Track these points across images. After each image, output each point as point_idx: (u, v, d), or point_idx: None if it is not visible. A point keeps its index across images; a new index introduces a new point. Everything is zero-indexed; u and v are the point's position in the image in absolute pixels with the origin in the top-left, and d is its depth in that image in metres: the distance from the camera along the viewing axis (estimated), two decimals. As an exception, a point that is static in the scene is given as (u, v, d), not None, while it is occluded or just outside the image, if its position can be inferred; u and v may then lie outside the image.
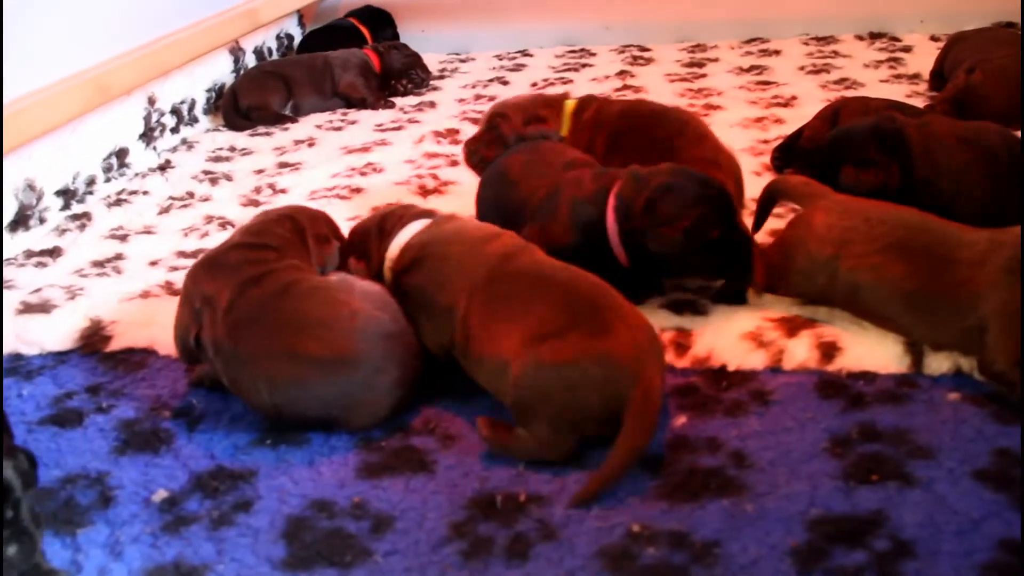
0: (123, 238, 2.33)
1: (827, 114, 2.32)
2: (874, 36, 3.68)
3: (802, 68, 3.34)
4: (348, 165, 2.71)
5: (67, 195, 2.48)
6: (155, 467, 1.45)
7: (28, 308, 1.95)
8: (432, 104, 3.29)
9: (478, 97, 3.33)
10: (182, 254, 2.20)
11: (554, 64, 3.72)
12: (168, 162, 2.85)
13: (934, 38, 3.54)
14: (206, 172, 2.75)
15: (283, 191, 2.56)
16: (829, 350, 1.57)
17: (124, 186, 2.66)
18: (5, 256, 2.22)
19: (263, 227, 1.69)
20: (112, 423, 1.58)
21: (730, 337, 1.63)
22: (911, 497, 1.25)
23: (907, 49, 3.47)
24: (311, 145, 2.94)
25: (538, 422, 1.36)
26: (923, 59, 3.20)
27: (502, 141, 2.16)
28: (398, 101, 3.34)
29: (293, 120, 3.20)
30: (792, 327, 1.64)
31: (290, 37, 3.96)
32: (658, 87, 3.24)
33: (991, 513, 1.21)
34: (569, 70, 3.61)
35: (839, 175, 1.89)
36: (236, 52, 3.45)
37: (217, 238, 2.18)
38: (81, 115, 2.49)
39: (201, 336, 1.55)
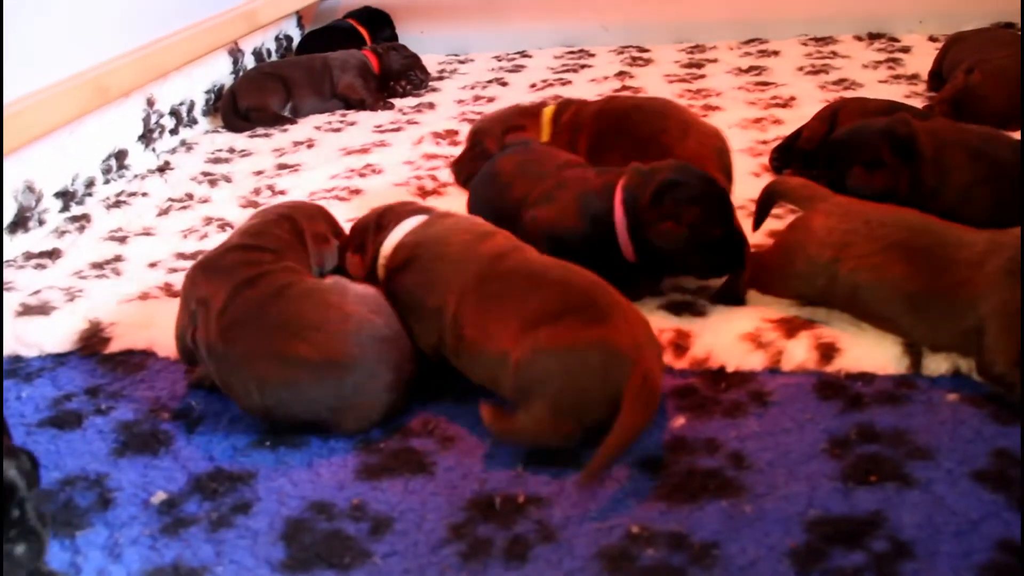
0: (122, 240, 2.33)
1: (826, 115, 2.32)
2: (873, 37, 3.69)
3: (801, 69, 3.35)
4: (347, 166, 2.71)
5: (66, 197, 2.48)
6: (154, 469, 1.45)
7: (27, 310, 1.95)
8: (431, 105, 3.29)
9: (477, 98, 3.34)
10: (181, 256, 2.20)
11: (553, 65, 3.72)
12: (167, 164, 2.85)
13: (933, 38, 3.54)
14: (205, 174, 2.75)
15: (282, 192, 2.56)
16: (828, 351, 1.57)
17: (123, 188, 2.66)
18: (4, 258, 2.22)
19: (261, 228, 1.69)
20: (111, 425, 1.58)
21: (729, 338, 1.63)
22: (910, 498, 1.25)
23: (906, 50, 3.47)
24: (310, 146, 2.94)
25: (538, 405, 1.36)
26: (922, 59, 3.20)
27: (487, 156, 2.18)
28: (397, 102, 3.35)
29: (292, 121, 3.20)
30: (791, 328, 1.64)
31: (289, 38, 3.96)
32: (657, 88, 3.24)
33: (990, 514, 1.21)
34: (568, 71, 3.61)
35: (846, 175, 1.89)
36: (235, 53, 3.45)
37: (216, 240, 2.17)
38: (80, 116, 2.49)
39: (196, 337, 1.55)
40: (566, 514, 1.27)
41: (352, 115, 3.24)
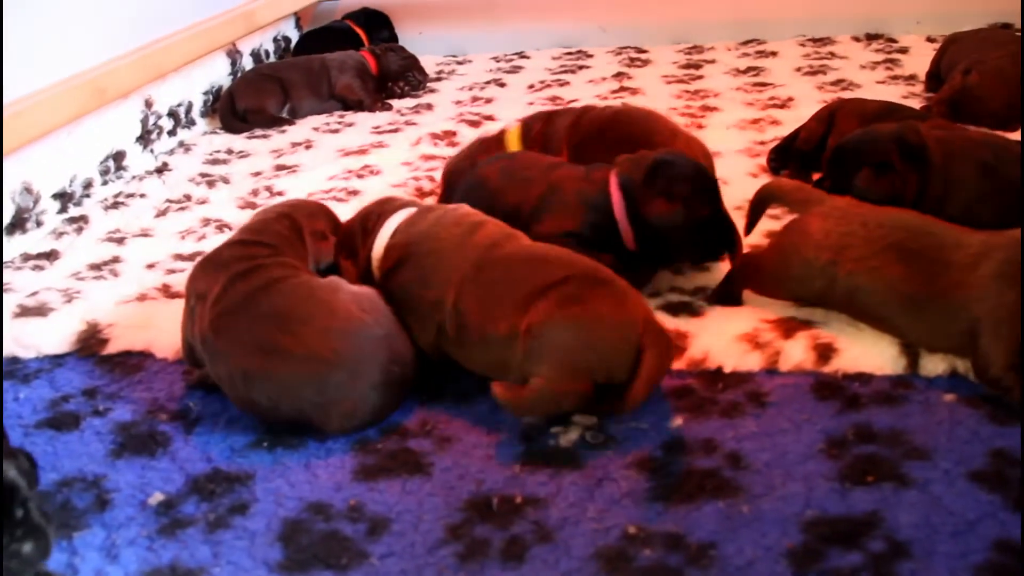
0: (120, 241, 2.33)
1: (823, 116, 2.32)
2: (870, 37, 3.69)
3: (799, 69, 3.35)
4: (345, 167, 2.71)
5: (64, 198, 2.48)
6: (151, 470, 1.45)
7: (25, 311, 1.95)
8: (429, 106, 3.29)
9: (475, 99, 3.34)
10: (179, 257, 2.20)
11: (551, 66, 3.73)
12: (165, 165, 2.85)
13: (930, 39, 3.55)
14: (203, 175, 2.75)
15: (280, 193, 2.56)
16: (825, 352, 1.57)
17: (121, 189, 2.66)
18: (2, 259, 2.22)
19: (261, 225, 1.70)
20: (109, 426, 1.58)
21: (726, 339, 1.63)
22: (907, 498, 1.25)
23: (903, 50, 3.48)
24: (308, 147, 2.94)
25: (552, 366, 1.39)
26: (919, 60, 3.21)
27: None
28: (395, 103, 3.35)
29: (290, 122, 3.20)
30: (788, 329, 1.64)
31: (287, 40, 3.96)
32: (655, 89, 3.25)
33: (986, 514, 1.21)
34: (566, 72, 3.61)
35: (854, 176, 1.88)
36: (233, 55, 3.45)
37: (214, 241, 2.18)
38: (78, 118, 2.50)
39: (194, 332, 1.56)
40: (563, 515, 1.27)
41: (350, 116, 3.25)
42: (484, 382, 1.54)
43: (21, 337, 1.85)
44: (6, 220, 2.26)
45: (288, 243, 1.67)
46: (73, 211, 2.49)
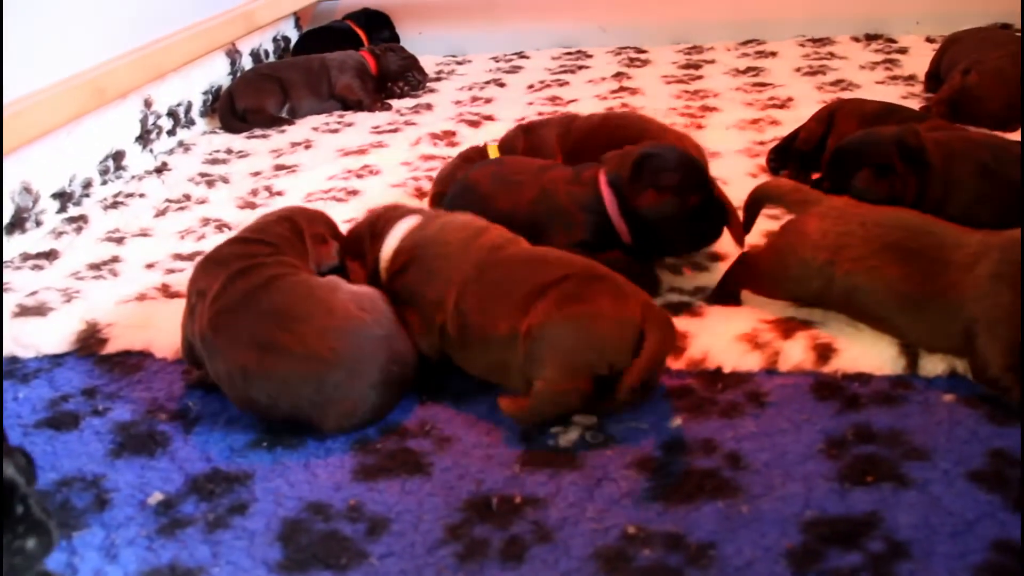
0: (119, 241, 2.33)
1: (823, 116, 2.32)
2: (870, 38, 3.69)
3: (798, 70, 3.35)
4: (344, 167, 2.71)
5: (63, 198, 2.47)
6: (151, 470, 1.45)
7: (24, 311, 1.95)
8: (428, 106, 3.29)
9: (475, 99, 3.34)
10: (178, 256, 2.20)
11: (550, 66, 3.73)
12: (164, 165, 2.85)
13: (930, 39, 3.55)
14: (203, 175, 2.75)
15: (280, 193, 2.56)
16: (825, 352, 1.57)
17: (120, 189, 2.65)
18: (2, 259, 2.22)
19: (262, 226, 1.72)
20: (108, 426, 1.58)
21: (726, 339, 1.63)
22: (906, 498, 1.25)
23: (903, 51, 3.48)
24: (307, 147, 2.94)
25: (552, 367, 1.39)
26: (919, 60, 3.21)
27: None
28: (394, 103, 3.35)
29: (289, 122, 3.20)
30: (787, 329, 1.64)
31: (286, 39, 3.96)
32: (654, 89, 3.25)
33: (985, 514, 1.21)
34: (566, 72, 3.61)
35: (853, 176, 1.88)
36: (232, 55, 3.45)
37: (214, 240, 2.17)
38: (77, 117, 2.49)
39: (194, 330, 1.56)
40: (562, 515, 1.27)
41: (350, 116, 3.24)
42: (484, 382, 1.55)
43: (20, 337, 1.85)
44: (5, 220, 2.26)
45: (289, 243, 1.67)
46: (72, 211, 2.49)
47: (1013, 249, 1.44)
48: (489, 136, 2.77)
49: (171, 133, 3.05)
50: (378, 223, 1.74)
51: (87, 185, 2.58)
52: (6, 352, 1.83)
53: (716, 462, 1.35)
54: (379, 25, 3.91)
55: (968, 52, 2.74)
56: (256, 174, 2.73)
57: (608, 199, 1.78)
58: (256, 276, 1.54)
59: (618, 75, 3.48)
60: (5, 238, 2.25)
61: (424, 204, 2.31)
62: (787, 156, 2.37)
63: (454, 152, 2.56)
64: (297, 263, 1.63)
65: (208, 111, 3.28)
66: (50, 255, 2.25)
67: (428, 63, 3.72)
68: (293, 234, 1.70)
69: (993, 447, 1.33)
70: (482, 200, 1.89)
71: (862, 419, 1.42)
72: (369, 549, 1.25)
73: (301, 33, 3.99)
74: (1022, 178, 1.80)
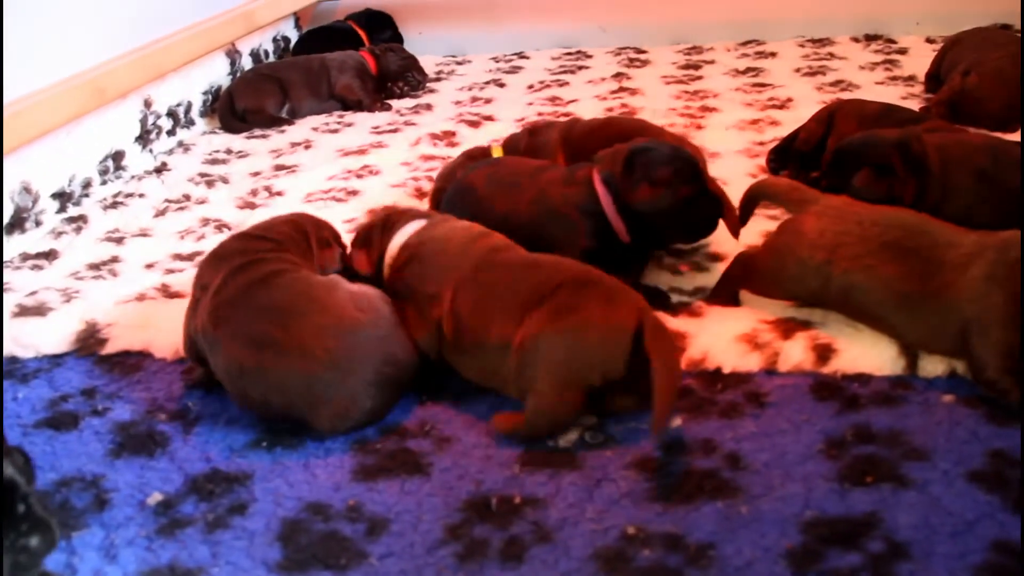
0: (119, 241, 2.32)
1: (823, 116, 2.32)
2: (870, 38, 3.69)
3: (798, 70, 3.35)
4: (344, 167, 2.71)
5: (63, 198, 2.47)
6: (150, 470, 1.45)
7: (24, 311, 1.94)
8: (428, 107, 3.29)
9: (474, 99, 3.34)
10: (178, 257, 2.20)
11: (550, 66, 3.73)
12: (164, 165, 2.85)
13: (930, 40, 3.55)
14: (202, 175, 2.75)
15: (279, 194, 2.56)
16: (824, 352, 1.57)
17: (120, 189, 2.65)
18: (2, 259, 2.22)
19: (269, 224, 1.74)
20: (107, 426, 1.58)
21: (725, 339, 1.63)
22: (905, 499, 1.25)
23: (903, 51, 3.48)
24: (307, 148, 2.94)
25: (544, 383, 1.39)
26: (919, 61, 3.21)
27: None
28: (394, 103, 3.35)
29: (289, 123, 3.20)
30: (787, 329, 1.64)
31: (286, 40, 3.96)
32: (654, 89, 3.25)
33: (985, 515, 1.21)
34: (565, 72, 3.61)
35: (853, 175, 1.88)
36: (232, 55, 3.45)
37: (213, 240, 2.17)
38: (77, 117, 2.49)
39: (196, 324, 1.57)
40: (562, 515, 1.27)
41: (349, 116, 3.24)
42: (483, 382, 1.55)
43: (20, 337, 1.85)
44: (5, 220, 2.26)
45: (293, 242, 1.69)
46: (72, 211, 2.49)
47: (1007, 250, 1.44)
48: (489, 136, 2.78)
49: (171, 133, 3.05)
50: (391, 217, 1.76)
51: (87, 185, 2.58)
52: (5, 352, 1.83)
53: (716, 462, 1.35)
54: (381, 26, 3.90)
55: (968, 53, 2.74)
56: (256, 174, 2.73)
57: (603, 197, 1.78)
58: (255, 271, 1.55)
59: (618, 75, 3.48)
60: (5, 238, 2.25)
61: (424, 204, 2.31)
62: (787, 156, 2.36)
63: (454, 152, 2.57)
64: (299, 261, 1.63)
65: (208, 111, 3.28)
66: (50, 255, 2.25)
67: (428, 63, 3.72)
68: (298, 234, 1.71)
69: (993, 447, 1.33)
70: (479, 202, 1.89)
71: (862, 419, 1.42)
72: (369, 549, 1.25)
73: (301, 33, 3.99)
74: (1022, 179, 1.80)
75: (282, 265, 1.57)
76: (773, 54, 3.60)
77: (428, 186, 2.50)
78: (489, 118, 3.07)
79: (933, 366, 1.52)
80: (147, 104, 2.90)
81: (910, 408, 1.44)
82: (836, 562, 1.15)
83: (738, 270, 1.75)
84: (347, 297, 1.53)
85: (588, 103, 3.13)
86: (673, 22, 3.91)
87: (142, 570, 1.25)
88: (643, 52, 3.80)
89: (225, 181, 2.69)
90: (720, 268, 1.84)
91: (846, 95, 2.95)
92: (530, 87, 3.44)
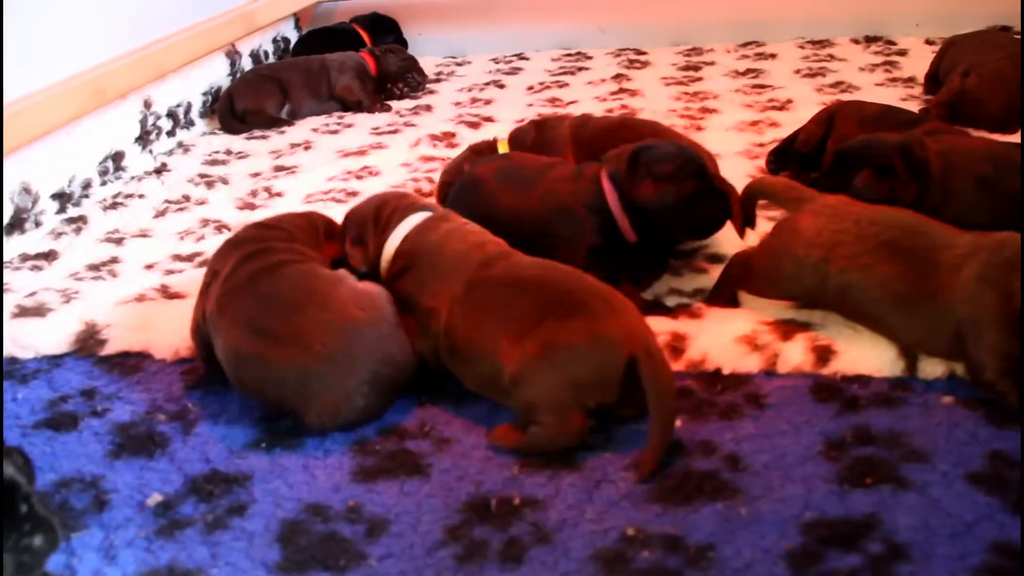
0: (119, 241, 2.32)
1: (823, 118, 2.32)
2: (869, 40, 3.69)
3: (798, 71, 3.35)
4: (344, 168, 2.71)
5: (63, 198, 2.47)
6: (150, 471, 1.45)
7: (23, 312, 1.94)
8: (428, 108, 3.29)
9: (474, 100, 3.34)
10: (178, 257, 2.20)
11: (550, 68, 3.73)
12: (164, 165, 2.85)
13: (929, 41, 3.55)
14: (202, 175, 2.75)
15: (279, 194, 2.56)
16: (824, 353, 1.57)
17: (120, 189, 2.65)
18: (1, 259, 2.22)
19: (281, 216, 1.78)
20: (107, 427, 1.57)
21: (725, 340, 1.63)
22: (905, 500, 1.25)
23: (902, 53, 3.48)
24: (307, 148, 2.94)
25: (542, 413, 1.38)
26: (918, 63, 3.21)
27: None
28: (394, 104, 3.35)
29: (289, 123, 3.20)
30: (787, 331, 1.64)
31: (286, 40, 3.96)
32: (654, 91, 3.25)
33: (984, 516, 1.21)
34: (565, 73, 3.61)
35: (854, 175, 1.88)
36: (232, 55, 3.45)
37: (213, 241, 2.18)
38: (77, 118, 2.49)
39: (204, 309, 1.59)
40: (562, 516, 1.27)
41: (349, 117, 3.25)
42: (483, 383, 1.55)
43: (19, 337, 1.85)
44: (5, 220, 2.26)
45: (306, 235, 1.70)
46: (72, 211, 2.49)
47: (1001, 251, 1.44)
48: (488, 137, 2.78)
49: (171, 134, 3.05)
50: (384, 209, 1.73)
51: (86, 186, 2.58)
52: (5, 353, 1.83)
53: (715, 464, 1.35)
54: (386, 30, 3.89)
55: (968, 54, 2.74)
56: (256, 175, 2.73)
57: (610, 194, 1.79)
58: (264, 259, 1.57)
59: (618, 77, 3.48)
60: (4, 238, 2.25)
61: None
62: (787, 158, 2.36)
63: (454, 153, 2.56)
64: (308, 252, 1.65)
65: (208, 112, 3.28)
66: (49, 256, 2.25)
67: (428, 64, 3.72)
68: (311, 228, 1.74)
69: (992, 449, 1.33)
70: (487, 196, 1.89)
71: (861, 421, 1.42)
72: (368, 550, 1.25)
73: (301, 34, 3.99)
74: (1022, 179, 1.80)
75: (291, 256, 1.59)
76: (773, 55, 3.60)
77: (428, 187, 2.50)
78: (489, 119, 3.08)
79: (932, 368, 1.52)
80: (147, 105, 2.90)
81: (910, 410, 1.44)
82: (836, 563, 1.15)
83: (735, 270, 1.75)
84: (350, 294, 1.54)
85: (588, 104, 3.13)
86: (673, 23, 3.91)
87: (141, 571, 1.24)
88: (643, 53, 3.81)
89: (225, 182, 2.69)
90: (720, 270, 1.84)
91: (846, 96, 2.95)
92: (530, 88, 3.44)
